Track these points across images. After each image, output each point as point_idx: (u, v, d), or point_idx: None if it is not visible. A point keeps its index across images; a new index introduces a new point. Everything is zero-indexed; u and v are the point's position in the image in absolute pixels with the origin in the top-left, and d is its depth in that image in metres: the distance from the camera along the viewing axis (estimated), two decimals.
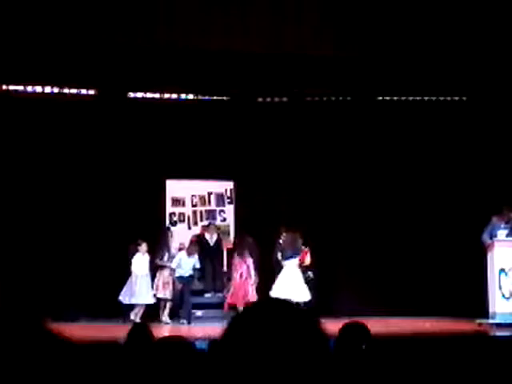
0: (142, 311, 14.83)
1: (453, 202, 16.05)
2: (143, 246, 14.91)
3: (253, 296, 14.72)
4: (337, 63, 14.51)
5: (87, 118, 15.76)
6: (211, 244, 16.07)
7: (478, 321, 13.53)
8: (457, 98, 16.30)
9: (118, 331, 12.71)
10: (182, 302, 15.18)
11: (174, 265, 15.17)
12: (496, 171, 15.56)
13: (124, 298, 14.84)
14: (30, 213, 15.27)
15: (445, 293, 15.34)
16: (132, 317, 14.53)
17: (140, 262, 14.94)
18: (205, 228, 16.34)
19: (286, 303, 1.55)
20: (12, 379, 1.60)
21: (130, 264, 14.89)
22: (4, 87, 15.08)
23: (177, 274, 15.11)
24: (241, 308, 14.40)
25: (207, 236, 16.12)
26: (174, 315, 15.15)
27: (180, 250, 15.40)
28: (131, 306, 14.81)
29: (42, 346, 1.65)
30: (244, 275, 15.05)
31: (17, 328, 1.70)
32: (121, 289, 14.92)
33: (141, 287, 14.81)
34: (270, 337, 1.45)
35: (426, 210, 16.30)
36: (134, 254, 14.94)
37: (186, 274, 15.19)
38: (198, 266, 15.35)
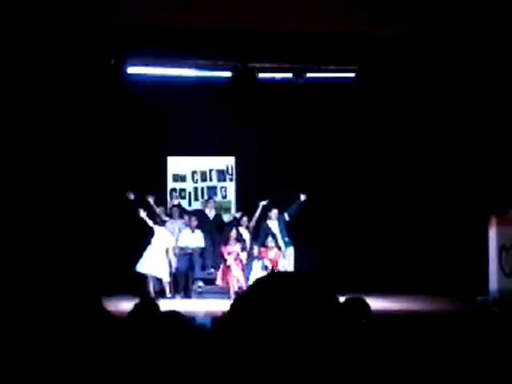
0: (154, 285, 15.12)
1: (453, 180, 16.03)
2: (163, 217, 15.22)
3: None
4: (340, 39, 14.44)
5: (87, 94, 15.73)
6: (210, 219, 16.10)
7: (479, 298, 13.55)
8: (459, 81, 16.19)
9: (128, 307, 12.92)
10: (182, 278, 15.39)
11: (179, 242, 15.38)
12: (498, 149, 15.51)
13: (139, 267, 15.02)
14: (46, 192, 15.26)
15: (445, 271, 15.37)
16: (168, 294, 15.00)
17: (161, 235, 15.14)
18: (204, 203, 16.37)
19: (296, 274, 1.55)
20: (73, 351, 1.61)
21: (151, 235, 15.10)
22: None
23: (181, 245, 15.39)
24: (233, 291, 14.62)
25: (207, 211, 16.14)
26: (174, 290, 15.30)
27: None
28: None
29: (100, 321, 1.66)
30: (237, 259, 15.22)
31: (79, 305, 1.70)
32: (132, 264, 15.04)
33: (155, 260, 15.01)
34: (287, 306, 1.45)
35: (426, 189, 16.31)
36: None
37: (188, 250, 15.40)
38: (202, 245, 15.53)
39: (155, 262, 14.99)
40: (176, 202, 16.12)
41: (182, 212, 15.81)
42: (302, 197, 15.60)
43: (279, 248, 15.29)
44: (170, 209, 15.81)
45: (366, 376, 1.60)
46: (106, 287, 14.31)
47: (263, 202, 15.63)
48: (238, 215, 16.07)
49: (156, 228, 15.10)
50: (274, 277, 1.62)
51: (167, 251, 15.16)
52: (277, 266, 15.06)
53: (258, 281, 1.61)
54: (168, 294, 15.06)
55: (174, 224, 15.47)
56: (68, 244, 15.00)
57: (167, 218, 15.43)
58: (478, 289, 13.84)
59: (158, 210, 15.24)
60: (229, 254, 15.17)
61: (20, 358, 1.73)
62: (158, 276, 15.08)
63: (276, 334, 1.47)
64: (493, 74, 14.67)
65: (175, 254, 15.23)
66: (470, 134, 15.68)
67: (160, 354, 3.03)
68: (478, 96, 15.23)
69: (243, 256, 15.22)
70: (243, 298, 1.56)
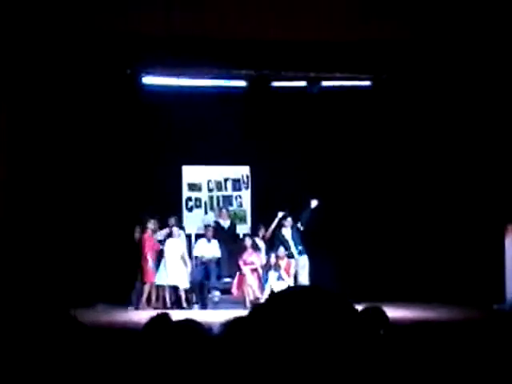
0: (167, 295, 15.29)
1: (470, 188, 15.95)
2: (174, 230, 15.43)
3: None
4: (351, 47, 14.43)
5: (104, 104, 15.78)
6: (225, 229, 16.12)
7: (496, 306, 13.49)
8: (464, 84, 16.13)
9: (133, 317, 13.03)
10: (198, 287, 15.44)
11: (195, 252, 15.64)
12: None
13: (159, 279, 15.28)
14: (48, 200, 15.33)
15: (462, 279, 15.28)
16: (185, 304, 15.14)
17: (172, 245, 15.32)
18: (218, 213, 16.41)
19: (314, 288, 1.54)
20: (37, 362, 1.61)
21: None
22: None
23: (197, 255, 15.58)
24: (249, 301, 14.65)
25: (221, 221, 16.17)
26: (189, 301, 15.37)
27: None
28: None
29: (68, 331, 1.66)
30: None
31: (44, 315, 1.70)
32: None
33: (172, 270, 15.22)
34: (305, 318, 1.44)
35: (443, 197, 16.23)
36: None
37: (204, 259, 15.47)
38: (218, 255, 15.59)
39: (172, 272, 15.12)
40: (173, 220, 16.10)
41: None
42: (313, 203, 15.61)
43: (291, 256, 15.33)
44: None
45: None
46: (91, 297, 14.49)
47: (280, 214, 15.66)
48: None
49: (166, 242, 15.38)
50: (293, 289, 1.61)
51: (183, 258, 15.27)
52: (289, 275, 15.10)
53: (277, 293, 1.61)
54: (184, 304, 15.10)
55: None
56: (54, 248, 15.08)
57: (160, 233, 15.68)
58: (495, 297, 13.77)
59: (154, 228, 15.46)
60: (245, 264, 15.19)
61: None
62: (177, 284, 15.16)
63: (293, 344, 1.46)
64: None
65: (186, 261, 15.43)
66: (488, 142, 15.60)
67: (175, 362, 3.02)
68: (497, 104, 15.16)
69: (259, 265, 15.25)
70: (260, 309, 1.55)
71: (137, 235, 15.38)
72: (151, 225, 15.39)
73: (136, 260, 15.19)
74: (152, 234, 15.42)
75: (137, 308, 14.95)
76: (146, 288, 15.26)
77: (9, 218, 14.22)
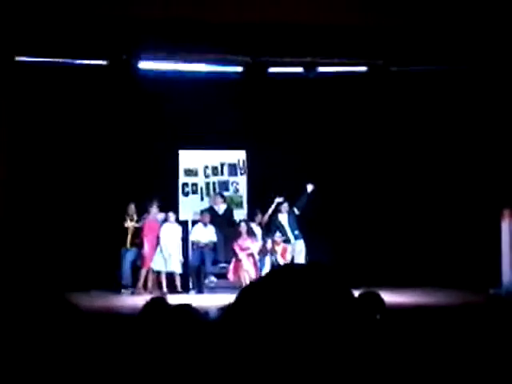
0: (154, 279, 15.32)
1: (466, 173, 15.97)
2: (170, 216, 15.41)
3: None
4: (350, 32, 14.39)
5: (99, 89, 15.75)
6: (219, 214, 16.12)
7: (492, 290, 13.52)
8: (466, 67, 16.11)
9: (129, 302, 13.05)
10: (194, 273, 15.51)
11: (191, 237, 15.67)
12: None
13: (155, 265, 15.29)
14: (43, 185, 15.34)
15: (458, 263, 15.32)
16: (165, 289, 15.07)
17: (168, 230, 15.32)
18: (213, 199, 16.40)
19: (311, 266, 1.53)
20: (33, 346, 1.60)
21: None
22: (17, 58, 14.99)
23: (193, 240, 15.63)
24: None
25: (215, 207, 16.18)
26: (185, 286, 15.44)
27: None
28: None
29: (63, 315, 1.65)
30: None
31: (40, 299, 1.70)
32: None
33: (168, 255, 15.24)
34: (300, 298, 1.43)
35: (440, 181, 16.25)
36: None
37: (200, 244, 15.52)
38: (214, 239, 15.64)
39: (168, 258, 15.14)
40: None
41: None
42: (309, 187, 15.64)
43: (288, 241, 15.37)
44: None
45: (381, 371, 1.58)
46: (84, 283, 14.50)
47: (278, 199, 15.66)
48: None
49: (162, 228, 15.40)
50: (287, 268, 1.59)
51: (179, 243, 15.38)
52: (285, 260, 15.13)
53: (271, 271, 1.59)
54: (179, 289, 15.14)
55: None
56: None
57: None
58: (491, 281, 13.80)
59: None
60: (241, 249, 15.21)
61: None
62: (174, 270, 15.19)
63: (287, 326, 1.45)
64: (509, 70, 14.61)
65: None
66: (484, 127, 15.61)
67: (172, 347, 3.03)
68: (495, 89, 15.15)
69: (255, 250, 15.26)
70: (252, 287, 1.54)
71: (130, 223, 15.36)
72: (153, 209, 15.37)
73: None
74: (153, 217, 15.41)
75: (133, 293, 14.97)
76: (143, 273, 15.27)
77: (7, 204, 14.23)
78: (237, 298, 1.52)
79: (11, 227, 14.19)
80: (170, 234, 15.39)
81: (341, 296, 1.52)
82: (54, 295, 1.74)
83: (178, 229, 15.59)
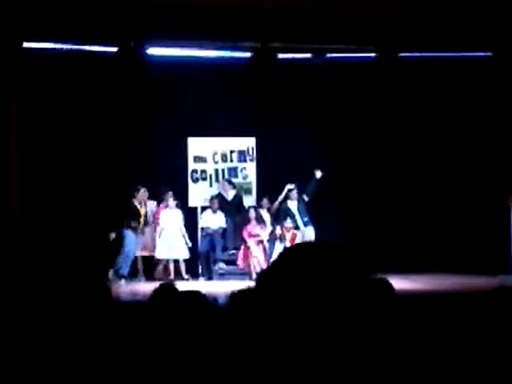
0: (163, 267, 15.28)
1: (476, 158, 15.93)
2: (170, 201, 15.27)
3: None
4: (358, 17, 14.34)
5: (108, 76, 15.74)
6: (228, 200, 16.12)
7: (502, 277, 13.49)
8: (482, 55, 16.03)
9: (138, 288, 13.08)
10: (204, 259, 15.52)
11: (201, 223, 15.71)
12: None
13: (159, 253, 15.23)
14: (53, 170, 15.34)
15: (468, 249, 15.30)
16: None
17: (168, 217, 15.25)
18: (221, 186, 16.40)
19: (327, 245, 1.52)
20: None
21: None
22: (25, 45, 14.99)
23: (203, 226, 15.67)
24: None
25: (224, 193, 16.17)
26: (191, 271, 15.46)
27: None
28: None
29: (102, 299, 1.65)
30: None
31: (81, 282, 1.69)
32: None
33: (170, 242, 15.19)
34: (316, 275, 1.42)
35: (450, 167, 16.22)
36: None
37: (210, 231, 15.53)
38: (223, 225, 15.67)
39: (171, 245, 15.08)
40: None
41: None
42: (318, 174, 15.61)
43: (297, 228, 15.36)
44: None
45: (392, 358, 1.57)
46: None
47: (289, 186, 15.65)
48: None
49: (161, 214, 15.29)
50: (303, 247, 1.58)
51: (180, 229, 15.31)
52: None
53: (286, 251, 1.58)
54: (185, 276, 15.10)
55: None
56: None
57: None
58: (501, 267, 13.78)
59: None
60: (250, 236, 15.21)
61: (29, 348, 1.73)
62: (178, 257, 15.16)
63: (297, 317, 1.44)
64: None
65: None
66: (494, 113, 15.56)
67: (181, 333, 3.03)
68: (503, 77, 15.09)
69: (265, 237, 15.27)
70: (270, 270, 1.53)
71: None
72: (169, 196, 15.32)
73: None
74: (166, 206, 15.38)
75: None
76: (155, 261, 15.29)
77: (21, 187, 14.30)
78: (257, 280, 1.52)
79: (26, 209, 14.23)
80: (170, 219, 15.28)
81: (356, 277, 1.51)
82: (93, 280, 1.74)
83: (179, 214, 15.43)
